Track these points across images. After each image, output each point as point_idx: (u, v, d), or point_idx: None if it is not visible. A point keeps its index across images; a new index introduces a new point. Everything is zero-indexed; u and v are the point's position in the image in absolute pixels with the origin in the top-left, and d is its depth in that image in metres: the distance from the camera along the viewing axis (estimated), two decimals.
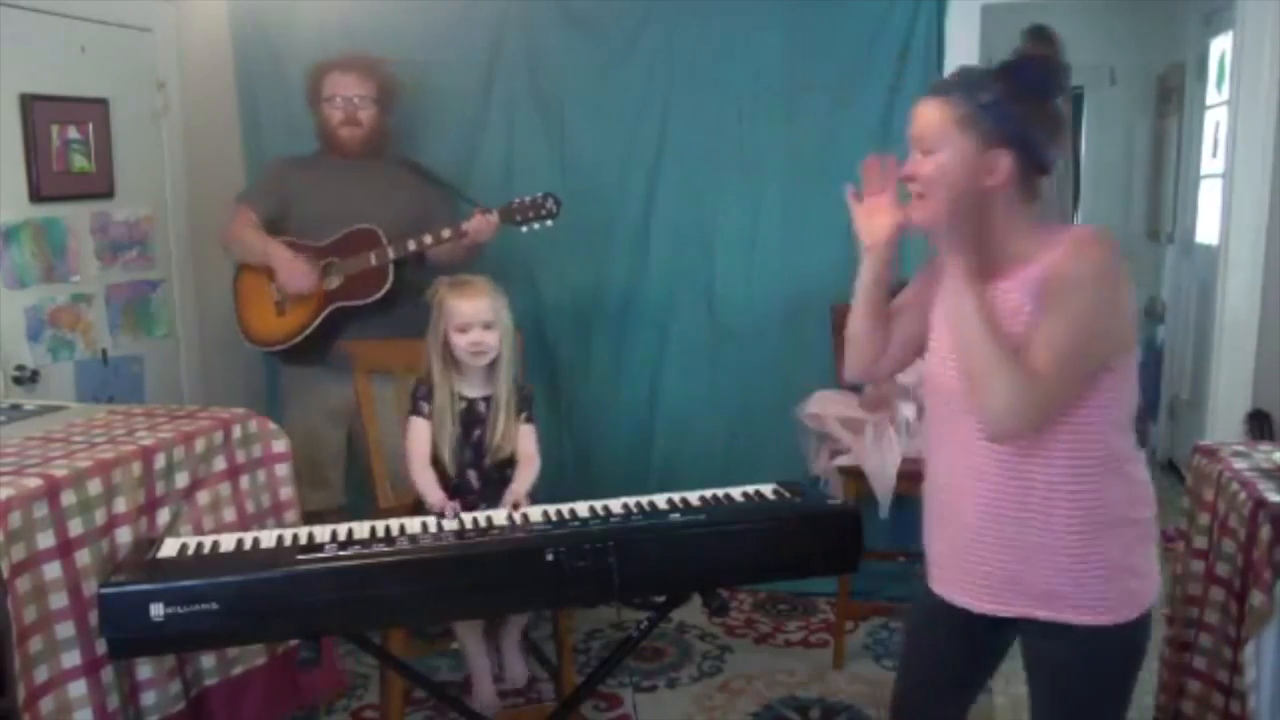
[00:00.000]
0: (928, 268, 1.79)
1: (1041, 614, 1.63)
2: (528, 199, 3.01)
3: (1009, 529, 1.62)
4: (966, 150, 1.57)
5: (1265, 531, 1.89)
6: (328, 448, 3.15)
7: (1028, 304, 1.57)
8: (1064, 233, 1.60)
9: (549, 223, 3.02)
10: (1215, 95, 4.09)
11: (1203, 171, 4.36)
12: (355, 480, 3.21)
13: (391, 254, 2.96)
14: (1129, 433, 1.63)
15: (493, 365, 2.48)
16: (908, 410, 3.07)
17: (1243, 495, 2.01)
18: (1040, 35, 1.60)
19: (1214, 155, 4.05)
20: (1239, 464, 2.15)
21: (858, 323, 1.80)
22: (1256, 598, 1.89)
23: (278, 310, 3.07)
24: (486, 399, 2.50)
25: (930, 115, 1.60)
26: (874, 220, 1.74)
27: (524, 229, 3.03)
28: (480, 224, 2.96)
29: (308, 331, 3.03)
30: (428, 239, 2.97)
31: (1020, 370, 1.52)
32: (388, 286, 2.98)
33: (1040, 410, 1.54)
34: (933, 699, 1.86)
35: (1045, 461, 1.59)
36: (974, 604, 1.69)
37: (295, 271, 2.98)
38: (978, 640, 1.77)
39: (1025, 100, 1.57)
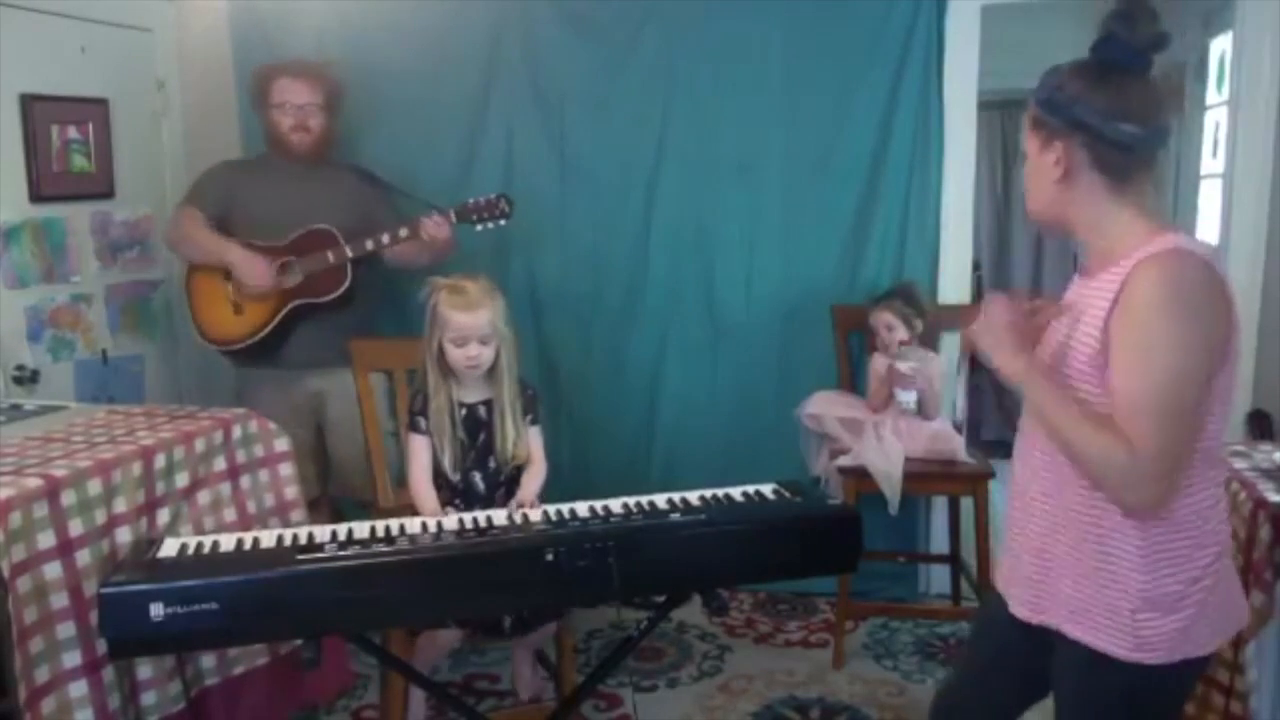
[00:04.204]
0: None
1: (1069, 630, 1.57)
2: (482, 199, 3.08)
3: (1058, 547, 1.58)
4: (1036, 148, 1.56)
5: (1265, 531, 1.90)
6: (296, 444, 3.15)
7: (1102, 317, 1.47)
8: (1156, 237, 1.47)
9: (502, 222, 3.10)
10: (1215, 95, 4.08)
11: (1203, 172, 4.35)
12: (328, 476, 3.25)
13: (350, 253, 3.01)
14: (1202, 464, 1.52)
15: (491, 369, 2.43)
16: (907, 397, 3.07)
17: (1243, 495, 2.02)
18: (1120, 5, 1.48)
19: (1214, 155, 4.04)
20: (1239, 464, 2.15)
21: None
22: (1257, 598, 1.89)
23: (234, 310, 3.08)
24: (486, 403, 2.46)
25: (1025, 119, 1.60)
26: None
27: (479, 228, 3.09)
28: (434, 223, 3.01)
29: (269, 329, 3.05)
30: (385, 238, 3.03)
31: (1118, 448, 1.41)
32: (347, 284, 3.02)
33: (1161, 480, 1.42)
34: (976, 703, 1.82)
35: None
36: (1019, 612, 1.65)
37: (254, 269, 3.01)
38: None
39: (1090, 78, 1.49)
